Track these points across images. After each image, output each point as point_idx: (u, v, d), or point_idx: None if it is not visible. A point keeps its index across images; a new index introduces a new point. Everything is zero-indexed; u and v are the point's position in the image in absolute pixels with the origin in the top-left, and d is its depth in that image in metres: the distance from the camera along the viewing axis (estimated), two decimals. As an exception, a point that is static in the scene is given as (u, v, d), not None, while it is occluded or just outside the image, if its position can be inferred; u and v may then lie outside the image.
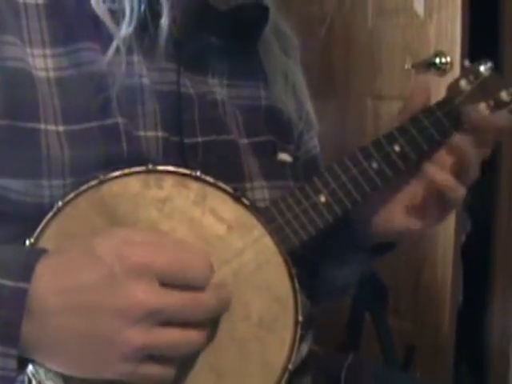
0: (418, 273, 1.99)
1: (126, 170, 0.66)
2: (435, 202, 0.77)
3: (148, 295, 0.57)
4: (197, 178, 0.68)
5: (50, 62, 0.69)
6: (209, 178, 0.68)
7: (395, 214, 0.80)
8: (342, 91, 2.21)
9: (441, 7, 1.89)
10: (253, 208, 0.69)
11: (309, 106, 0.93)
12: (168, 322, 0.58)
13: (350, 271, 0.93)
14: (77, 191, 0.64)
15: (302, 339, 0.68)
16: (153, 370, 0.59)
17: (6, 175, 0.67)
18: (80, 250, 0.60)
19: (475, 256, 2.05)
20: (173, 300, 0.58)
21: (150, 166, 0.67)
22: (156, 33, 0.74)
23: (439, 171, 0.75)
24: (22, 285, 0.57)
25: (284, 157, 0.85)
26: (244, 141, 0.81)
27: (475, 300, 2.14)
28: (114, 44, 0.71)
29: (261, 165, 0.81)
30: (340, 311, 1.77)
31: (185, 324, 0.59)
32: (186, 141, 0.75)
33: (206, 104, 0.78)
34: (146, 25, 0.74)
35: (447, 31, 1.87)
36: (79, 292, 0.58)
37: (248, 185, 0.79)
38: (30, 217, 0.65)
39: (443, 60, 1.87)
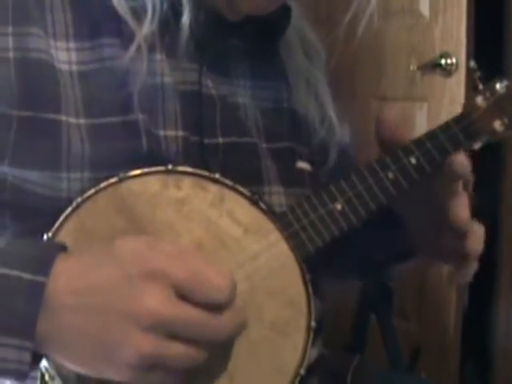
0: (424, 274, 1.98)
1: (146, 169, 0.66)
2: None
3: (161, 304, 0.56)
4: (215, 180, 0.68)
5: (73, 56, 0.70)
6: (227, 181, 0.68)
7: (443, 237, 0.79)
8: (347, 92, 2.21)
9: (446, 8, 1.89)
10: (270, 212, 0.69)
11: (332, 113, 0.92)
12: (178, 334, 0.57)
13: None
14: (97, 188, 0.65)
15: (313, 344, 0.69)
16: (158, 378, 0.58)
17: (25, 166, 0.67)
18: (100, 251, 0.60)
19: (480, 256, 2.05)
20: (186, 314, 0.57)
21: (170, 167, 0.67)
22: (177, 31, 0.74)
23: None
24: (40, 279, 0.58)
25: (303, 165, 0.85)
26: (263, 145, 0.81)
27: (480, 300, 2.14)
28: (136, 42, 0.71)
29: (279, 170, 0.81)
30: (346, 313, 1.77)
31: (194, 340, 0.58)
32: (207, 141, 0.75)
33: (228, 106, 0.78)
34: (168, 23, 0.74)
35: (452, 32, 1.87)
36: (94, 293, 0.58)
37: (266, 189, 0.79)
38: (47, 211, 0.65)
39: (448, 61, 1.87)
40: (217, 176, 0.68)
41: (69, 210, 0.64)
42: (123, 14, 0.72)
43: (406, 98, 2.02)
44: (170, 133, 0.72)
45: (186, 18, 0.73)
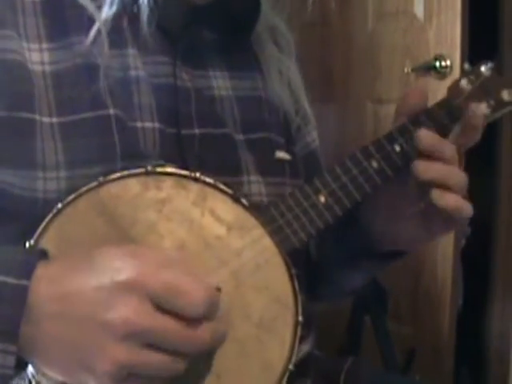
0: (418, 276, 1.98)
1: (126, 172, 0.66)
2: (440, 217, 0.76)
3: (136, 314, 0.56)
4: (196, 179, 0.68)
5: (45, 56, 0.71)
6: (208, 179, 0.68)
7: (401, 225, 0.79)
8: (341, 95, 2.21)
9: (440, 11, 1.89)
10: (252, 209, 0.69)
11: (304, 101, 0.93)
12: (154, 344, 0.57)
13: (361, 276, 0.93)
14: (76, 193, 0.65)
15: (303, 339, 0.68)
16: None
17: (2, 166, 0.67)
18: (80, 259, 0.60)
19: (474, 259, 2.05)
20: (161, 325, 0.57)
21: (150, 168, 0.67)
22: (137, 15, 0.74)
23: (442, 195, 0.73)
24: (24, 282, 0.58)
25: (282, 155, 0.85)
26: (240, 137, 0.81)
27: (475, 303, 2.14)
28: (96, 26, 0.72)
29: (257, 161, 0.81)
30: (340, 315, 1.77)
31: (170, 351, 0.58)
32: (183, 132, 0.75)
33: (204, 98, 0.79)
34: (128, 8, 0.74)
35: (447, 35, 1.87)
36: (72, 301, 0.58)
37: (245, 178, 0.79)
38: (26, 215, 0.65)
39: (443, 63, 1.87)
40: (197, 175, 0.68)
41: (49, 216, 0.63)
42: (82, 2, 0.73)
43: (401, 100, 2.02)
44: (147, 124, 0.73)
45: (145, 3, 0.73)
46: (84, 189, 0.65)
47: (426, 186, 0.74)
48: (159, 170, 0.67)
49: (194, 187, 0.68)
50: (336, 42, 2.24)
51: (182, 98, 0.77)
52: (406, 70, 1.98)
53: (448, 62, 1.86)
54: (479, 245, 2.07)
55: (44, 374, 0.60)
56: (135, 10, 0.74)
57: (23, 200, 0.67)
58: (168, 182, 0.67)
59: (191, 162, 0.74)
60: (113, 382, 0.57)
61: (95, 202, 0.65)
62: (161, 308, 0.57)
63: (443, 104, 0.78)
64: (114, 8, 0.73)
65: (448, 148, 0.74)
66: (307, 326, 0.69)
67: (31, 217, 0.64)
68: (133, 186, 0.66)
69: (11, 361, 0.58)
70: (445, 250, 1.90)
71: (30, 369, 0.61)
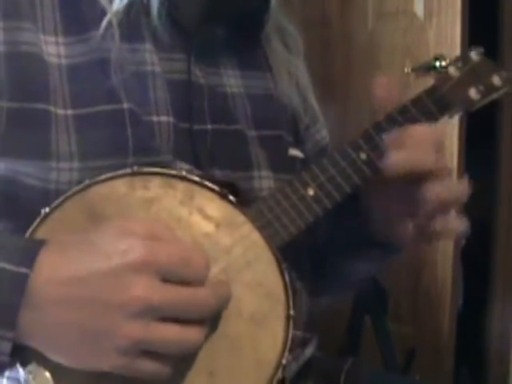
0: (418, 276, 1.98)
1: (112, 173, 0.66)
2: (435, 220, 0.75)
3: (148, 291, 0.57)
4: (183, 178, 0.68)
5: (61, 50, 0.71)
6: (195, 178, 0.68)
7: (395, 224, 0.78)
8: (341, 94, 2.21)
9: (440, 10, 1.89)
10: (240, 205, 0.69)
11: (313, 100, 0.94)
12: (166, 318, 0.58)
13: (365, 267, 0.93)
14: (63, 196, 0.65)
15: (306, 341, 0.68)
16: (147, 365, 0.59)
17: (16, 157, 0.68)
18: (82, 242, 0.60)
19: (475, 259, 2.05)
20: (172, 296, 0.58)
21: (136, 168, 0.67)
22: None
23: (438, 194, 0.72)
24: (23, 270, 0.58)
25: (295, 152, 0.85)
26: (252, 133, 0.81)
27: (475, 303, 2.14)
28: (107, 17, 0.73)
29: (268, 157, 0.81)
30: (340, 315, 1.77)
31: (183, 322, 0.59)
32: (196, 127, 0.76)
33: (217, 95, 0.80)
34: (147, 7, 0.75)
35: (447, 34, 1.87)
36: (80, 284, 0.58)
37: (256, 173, 0.79)
38: (37, 205, 0.65)
39: (443, 63, 1.86)
40: (184, 173, 0.68)
41: (37, 221, 0.63)
42: None
43: (401, 99, 2.02)
44: (163, 118, 0.74)
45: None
46: (71, 192, 0.65)
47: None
48: (146, 169, 0.67)
49: (181, 186, 0.67)
50: (336, 41, 2.24)
51: (196, 93, 0.78)
52: (405, 70, 1.97)
53: (448, 62, 1.86)
54: (479, 245, 2.07)
55: (41, 373, 0.60)
56: (145, 1, 0.75)
57: (35, 190, 0.68)
58: (155, 182, 0.67)
59: (203, 156, 0.76)
60: (125, 360, 0.58)
61: (83, 204, 0.65)
62: (167, 280, 0.58)
63: (430, 91, 0.77)
64: (124, 2, 0.74)
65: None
66: (311, 329, 0.69)
67: (42, 207, 0.64)
68: (120, 186, 0.66)
69: (7, 347, 0.58)
70: (445, 249, 1.90)
71: (29, 367, 0.61)
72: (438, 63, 2.05)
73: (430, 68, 2.10)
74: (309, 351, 0.83)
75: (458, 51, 1.84)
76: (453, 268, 1.92)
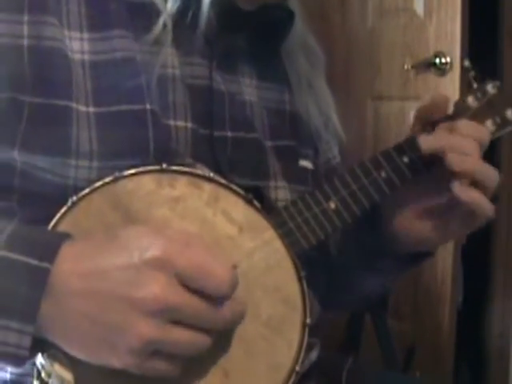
0: (418, 274, 1.98)
1: (141, 169, 0.67)
2: (458, 217, 0.77)
3: (165, 291, 0.57)
4: (210, 179, 0.68)
5: (86, 46, 0.71)
6: (222, 180, 0.68)
7: (416, 224, 0.80)
8: (341, 91, 2.20)
9: (440, 7, 1.88)
10: (264, 211, 0.70)
11: (334, 118, 0.94)
12: (180, 321, 0.58)
13: (377, 279, 0.94)
14: (92, 187, 0.65)
15: (312, 345, 0.68)
16: (158, 365, 0.59)
17: (36, 152, 0.68)
18: (106, 237, 0.61)
19: (475, 256, 2.05)
20: (188, 302, 0.58)
21: (164, 166, 0.67)
22: (187, 26, 0.76)
23: (466, 189, 0.74)
24: (45, 265, 0.58)
25: (305, 163, 0.86)
26: (268, 143, 0.82)
27: (475, 300, 2.14)
28: (162, 19, 0.73)
29: (283, 167, 0.82)
30: (340, 313, 1.77)
31: (195, 326, 0.59)
32: (216, 134, 0.76)
33: (236, 102, 0.80)
34: (185, 14, 0.76)
35: (447, 31, 1.87)
36: (99, 277, 0.58)
37: (272, 183, 0.80)
38: (54, 199, 0.65)
39: (443, 60, 1.87)
40: (211, 175, 0.68)
41: (64, 209, 0.64)
42: None
43: (401, 97, 2.02)
44: (180, 123, 0.74)
45: (204, 10, 0.75)
46: (99, 183, 0.65)
47: (447, 182, 0.74)
48: (174, 168, 0.67)
49: (208, 187, 0.68)
50: (336, 39, 2.24)
51: (217, 100, 0.78)
52: (405, 67, 1.98)
53: (448, 59, 1.86)
54: (479, 244, 2.07)
55: (54, 366, 0.61)
56: (191, 20, 0.75)
57: (53, 186, 0.68)
58: (182, 181, 0.67)
59: (223, 163, 0.76)
60: (136, 360, 0.58)
61: (110, 196, 0.65)
62: (186, 286, 0.58)
63: (450, 119, 0.78)
64: (177, 3, 0.74)
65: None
66: (317, 334, 0.70)
67: (59, 203, 0.64)
68: (147, 182, 0.67)
69: (27, 341, 0.58)
70: (445, 248, 1.90)
71: (41, 359, 0.61)
72: (437, 60, 2.06)
73: (429, 65, 2.11)
74: (314, 355, 0.84)
75: (457, 48, 1.84)
76: (453, 265, 1.92)
